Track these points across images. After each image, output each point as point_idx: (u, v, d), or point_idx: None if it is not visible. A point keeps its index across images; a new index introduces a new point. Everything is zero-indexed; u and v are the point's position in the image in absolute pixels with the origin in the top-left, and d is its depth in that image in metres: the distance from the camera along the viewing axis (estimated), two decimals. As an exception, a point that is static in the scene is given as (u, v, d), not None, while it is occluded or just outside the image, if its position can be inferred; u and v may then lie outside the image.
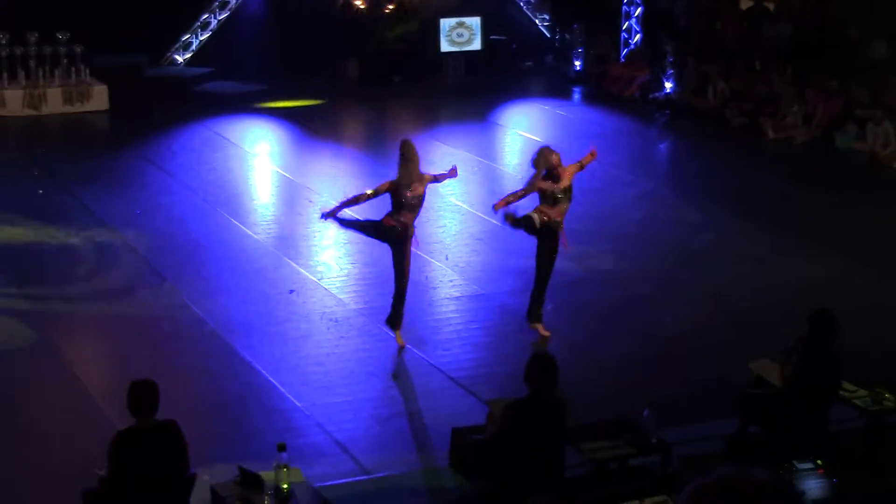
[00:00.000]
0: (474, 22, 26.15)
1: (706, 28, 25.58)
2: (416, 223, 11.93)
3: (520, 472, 8.35)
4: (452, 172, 12.22)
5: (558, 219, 12.08)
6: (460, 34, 26.10)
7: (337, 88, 25.29)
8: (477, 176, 18.40)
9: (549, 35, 28.07)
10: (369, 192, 11.93)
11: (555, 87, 25.99)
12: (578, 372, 11.34)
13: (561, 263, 13.73)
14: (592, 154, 12.43)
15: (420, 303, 13.42)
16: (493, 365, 11.83)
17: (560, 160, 12.11)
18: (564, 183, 12.12)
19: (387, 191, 11.82)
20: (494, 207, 12.12)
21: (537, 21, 28.06)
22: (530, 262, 13.53)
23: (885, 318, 12.95)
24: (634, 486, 8.69)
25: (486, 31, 26.33)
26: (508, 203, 12.05)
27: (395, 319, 12.10)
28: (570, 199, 12.20)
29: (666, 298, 13.64)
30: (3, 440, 10.25)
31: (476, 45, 26.27)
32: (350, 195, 12.27)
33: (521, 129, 22.22)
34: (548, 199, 12.08)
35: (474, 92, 25.24)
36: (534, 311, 12.38)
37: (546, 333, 12.31)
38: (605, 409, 10.58)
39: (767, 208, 17.28)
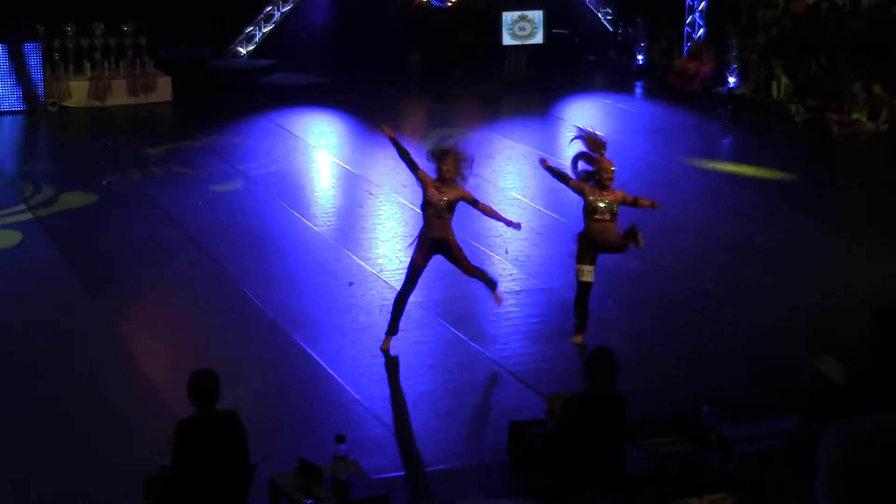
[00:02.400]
0: (537, 15, 26.06)
1: (771, 22, 25.32)
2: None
3: (579, 468, 8.31)
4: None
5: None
6: (522, 28, 26.02)
7: (400, 80, 25.29)
8: (537, 170, 18.33)
9: (611, 29, 27.93)
10: None
11: (617, 81, 25.86)
12: (640, 367, 11.27)
13: (623, 258, 13.67)
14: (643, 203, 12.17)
15: (479, 297, 13.39)
16: (551, 359, 11.78)
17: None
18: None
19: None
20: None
21: (600, 15, 27.94)
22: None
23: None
24: (694, 483, 8.63)
25: (548, 24, 26.22)
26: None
27: None
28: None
29: (728, 294, 13.53)
30: (65, 428, 10.33)
31: (538, 38, 26.16)
32: None
33: (583, 124, 22.06)
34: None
35: (536, 86, 25.16)
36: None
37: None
38: (667, 404, 10.52)
39: (832, 204, 17.10)
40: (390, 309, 11.85)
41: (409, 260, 11.86)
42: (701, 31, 25.99)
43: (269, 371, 11.53)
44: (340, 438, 8.39)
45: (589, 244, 11.87)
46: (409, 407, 10.77)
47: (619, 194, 11.95)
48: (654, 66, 26.01)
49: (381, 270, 14.13)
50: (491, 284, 12.07)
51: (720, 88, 24.07)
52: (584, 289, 11.97)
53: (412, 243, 11.86)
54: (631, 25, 27.10)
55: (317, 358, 11.68)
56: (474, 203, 11.70)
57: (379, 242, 15.39)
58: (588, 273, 11.89)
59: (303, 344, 12.01)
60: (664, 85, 25.06)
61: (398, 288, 11.96)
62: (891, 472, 2.71)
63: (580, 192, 11.99)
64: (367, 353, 11.79)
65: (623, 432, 8.44)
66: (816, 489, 2.81)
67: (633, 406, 8.50)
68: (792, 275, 14.19)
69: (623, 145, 20.57)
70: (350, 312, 12.94)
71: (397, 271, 14.07)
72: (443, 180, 11.56)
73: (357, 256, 14.60)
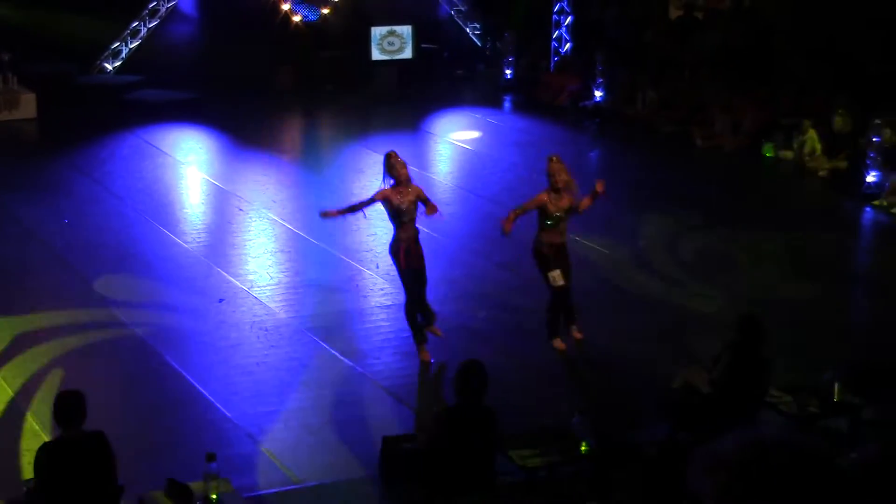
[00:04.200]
0: (405, 30, 26.16)
1: (636, 37, 25.77)
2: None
3: (450, 480, 8.35)
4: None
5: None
6: (391, 43, 26.09)
7: (269, 96, 25.18)
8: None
9: (480, 43, 28.16)
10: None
11: (486, 95, 26.06)
12: (510, 379, 11.37)
13: (495, 272, 13.80)
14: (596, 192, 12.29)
15: (350, 311, 13.41)
16: (423, 374, 11.82)
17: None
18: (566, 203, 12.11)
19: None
20: (503, 231, 12.06)
21: (468, 30, 28.14)
22: (458, 270, 13.58)
23: (812, 325, 13.10)
24: (564, 494, 8.73)
25: (417, 39, 26.34)
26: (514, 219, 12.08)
27: None
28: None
29: (597, 304, 13.69)
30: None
31: (407, 53, 26.27)
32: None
33: (453, 138, 22.26)
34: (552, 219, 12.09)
35: (406, 100, 25.24)
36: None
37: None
38: (537, 416, 10.63)
39: (697, 216, 17.41)
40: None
41: (404, 270, 11.91)
42: (567, 45, 26.32)
43: (137, 390, 11.40)
44: (211, 457, 8.32)
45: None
46: (281, 424, 10.72)
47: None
48: (523, 80, 26.27)
49: (251, 287, 14.05)
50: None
51: (587, 102, 24.40)
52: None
53: (400, 254, 11.85)
54: (499, 40, 27.34)
55: (187, 376, 11.58)
56: (426, 200, 11.96)
57: (249, 259, 15.30)
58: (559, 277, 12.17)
59: (172, 362, 11.89)
60: (532, 99, 25.32)
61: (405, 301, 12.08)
62: (775, 485, 2.79)
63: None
64: (239, 371, 11.72)
65: (493, 444, 8.51)
66: None
67: (503, 418, 8.57)
68: (658, 285, 14.42)
69: (492, 158, 20.76)
70: (221, 329, 12.85)
71: (268, 287, 14.04)
72: (400, 183, 11.75)
73: (227, 273, 14.51)
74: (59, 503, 7.85)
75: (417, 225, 12.00)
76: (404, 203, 11.75)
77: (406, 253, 11.87)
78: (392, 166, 11.77)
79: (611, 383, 11.68)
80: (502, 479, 8.80)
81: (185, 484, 8.28)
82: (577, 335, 12.52)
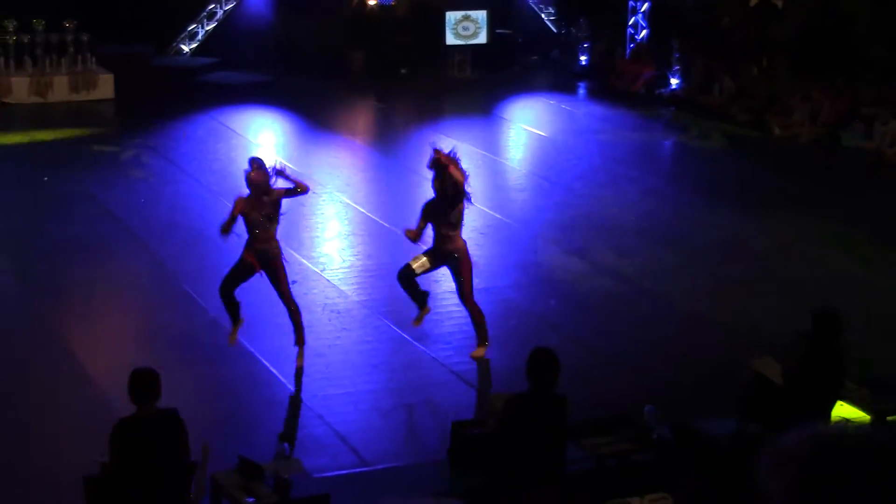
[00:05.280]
0: (480, 15, 26.11)
1: (713, 24, 25.54)
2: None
3: (519, 467, 8.35)
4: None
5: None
6: (466, 27, 26.06)
7: (342, 80, 25.25)
8: (481, 170, 18.38)
9: (554, 29, 28.04)
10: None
11: (560, 81, 25.96)
12: (581, 367, 11.34)
13: (567, 260, 13.75)
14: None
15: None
16: (494, 359, 11.81)
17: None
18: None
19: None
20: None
21: (543, 15, 28.03)
22: (530, 257, 13.51)
23: (888, 318, 12.94)
24: (634, 483, 8.69)
25: (491, 24, 26.29)
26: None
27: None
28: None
29: (669, 294, 13.62)
30: (5, 427, 10.25)
31: (482, 38, 26.23)
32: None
33: (526, 124, 22.20)
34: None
35: (479, 85, 25.22)
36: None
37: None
38: (608, 404, 10.59)
39: (772, 206, 17.25)
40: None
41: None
42: (644, 32, 26.14)
43: (210, 369, 11.49)
44: (282, 437, 8.38)
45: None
46: (352, 406, 10.76)
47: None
48: (597, 67, 26.13)
49: (323, 269, 14.11)
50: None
51: (662, 90, 24.23)
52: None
53: (245, 252, 11.58)
54: (574, 26, 27.21)
55: (259, 356, 11.65)
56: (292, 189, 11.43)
57: (322, 241, 15.37)
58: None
59: (245, 342, 11.96)
60: (607, 86, 25.18)
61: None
62: (850, 482, 2.74)
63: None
64: (310, 353, 11.76)
65: (563, 432, 8.49)
66: None
67: (573, 406, 8.55)
68: (731, 275, 14.31)
69: (567, 146, 20.69)
70: (292, 311, 12.90)
71: (341, 270, 14.10)
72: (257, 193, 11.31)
73: (300, 255, 14.57)
74: (133, 478, 7.94)
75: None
76: (254, 217, 11.29)
77: (250, 254, 11.47)
78: (249, 180, 11.25)
79: (682, 373, 11.60)
80: (572, 466, 8.79)
81: (257, 462, 8.35)
82: (476, 353, 11.88)
